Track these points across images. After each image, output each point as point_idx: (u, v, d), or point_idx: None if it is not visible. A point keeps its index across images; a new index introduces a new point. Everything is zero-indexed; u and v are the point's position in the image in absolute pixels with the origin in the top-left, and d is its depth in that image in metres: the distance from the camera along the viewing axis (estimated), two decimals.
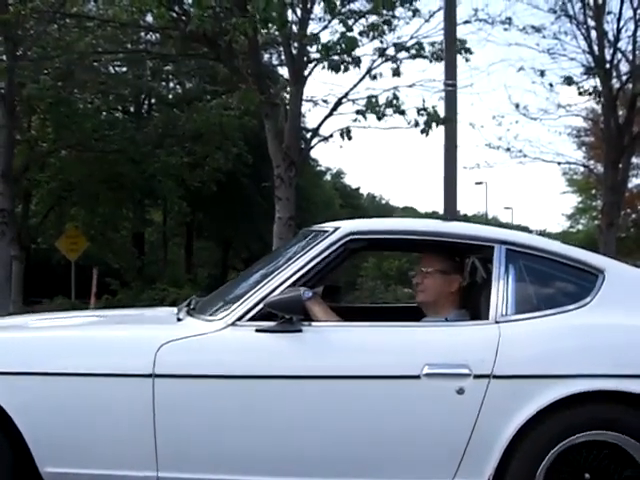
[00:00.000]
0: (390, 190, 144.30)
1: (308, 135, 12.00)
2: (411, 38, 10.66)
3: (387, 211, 49.87)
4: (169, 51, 13.21)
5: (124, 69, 18.71)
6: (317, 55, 10.32)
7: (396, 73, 10.07)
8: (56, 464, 3.08)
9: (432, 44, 10.64)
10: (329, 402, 3.03)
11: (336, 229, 3.31)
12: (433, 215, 42.91)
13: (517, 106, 15.30)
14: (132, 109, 22.73)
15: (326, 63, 9.18)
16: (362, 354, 3.08)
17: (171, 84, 23.35)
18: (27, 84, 13.42)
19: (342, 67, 9.23)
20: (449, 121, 9.87)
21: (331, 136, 10.62)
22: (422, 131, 9.53)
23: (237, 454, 3.05)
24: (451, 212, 10.35)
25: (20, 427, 3.06)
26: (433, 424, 3.01)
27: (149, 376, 3.02)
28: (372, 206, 52.03)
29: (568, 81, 12.30)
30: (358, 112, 9.84)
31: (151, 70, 19.46)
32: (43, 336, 3.39)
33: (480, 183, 37.59)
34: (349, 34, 9.33)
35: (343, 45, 8.80)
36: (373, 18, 10.26)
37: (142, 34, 14.14)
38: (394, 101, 9.67)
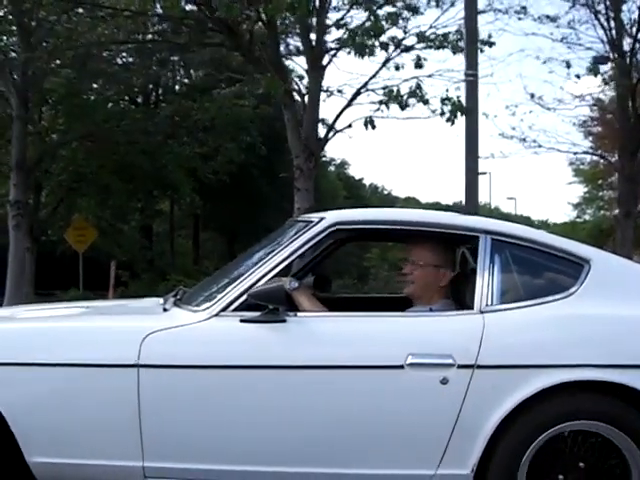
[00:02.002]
0: (392, 181, 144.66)
1: (324, 126, 11.86)
2: (430, 28, 10.57)
3: (389, 201, 49.72)
4: (183, 40, 13.07)
5: (130, 59, 18.50)
6: (336, 45, 10.25)
7: (418, 65, 9.94)
8: (43, 454, 3.08)
9: (445, 35, 10.52)
10: (312, 392, 3.00)
11: (321, 219, 3.27)
12: (436, 206, 42.85)
13: (532, 96, 15.18)
14: (140, 100, 22.57)
15: (352, 48, 9.09)
16: (345, 344, 3.06)
17: (178, 76, 23.19)
18: (48, 76, 13.24)
19: (367, 51, 9.14)
20: (471, 112, 9.76)
21: (350, 126, 10.54)
22: (448, 120, 9.46)
23: (221, 443, 3.05)
24: (472, 203, 10.27)
25: (7, 418, 3.06)
26: (417, 414, 2.98)
27: (134, 366, 3.02)
28: (374, 197, 51.89)
29: (595, 71, 12.17)
30: (381, 102, 9.76)
31: (159, 60, 19.26)
32: (28, 327, 3.39)
33: (484, 173, 37.47)
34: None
35: (371, 31, 8.69)
36: (388, 8, 10.17)
37: (153, 23, 13.95)
38: (417, 90, 9.59)
